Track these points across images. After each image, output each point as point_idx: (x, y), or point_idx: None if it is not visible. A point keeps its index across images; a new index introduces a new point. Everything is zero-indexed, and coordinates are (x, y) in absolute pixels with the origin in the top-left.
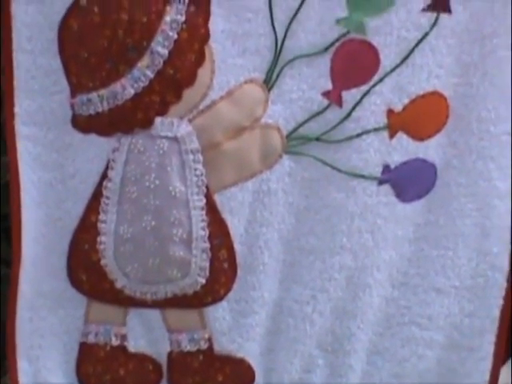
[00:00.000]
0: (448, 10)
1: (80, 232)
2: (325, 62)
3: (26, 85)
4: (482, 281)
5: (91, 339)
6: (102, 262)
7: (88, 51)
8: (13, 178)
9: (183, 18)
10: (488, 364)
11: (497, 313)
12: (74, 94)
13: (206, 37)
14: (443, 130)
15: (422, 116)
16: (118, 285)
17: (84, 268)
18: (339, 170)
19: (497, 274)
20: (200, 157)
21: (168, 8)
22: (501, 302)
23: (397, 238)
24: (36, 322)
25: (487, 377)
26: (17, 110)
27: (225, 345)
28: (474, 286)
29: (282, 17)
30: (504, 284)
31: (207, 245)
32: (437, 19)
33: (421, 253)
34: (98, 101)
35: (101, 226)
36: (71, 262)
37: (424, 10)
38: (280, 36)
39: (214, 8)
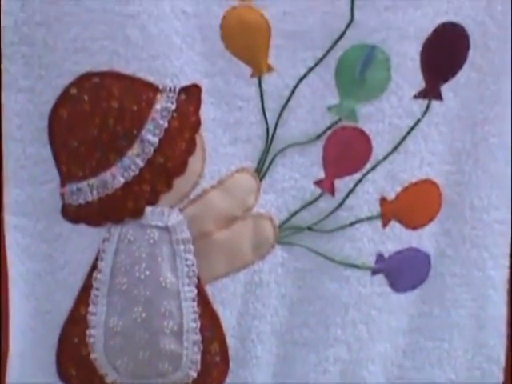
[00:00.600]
0: (439, 97)
1: (69, 325)
2: (317, 150)
3: (16, 174)
4: (478, 373)
5: None
6: (92, 356)
7: (78, 140)
8: (1, 269)
9: (174, 106)
10: None
11: None
12: (63, 183)
13: (197, 125)
14: (436, 219)
15: (415, 204)
16: (109, 380)
17: (73, 362)
18: (333, 260)
19: (493, 366)
20: (191, 247)
21: (159, 96)
22: None
23: (391, 330)
24: None
25: None
26: (6, 199)
27: None
28: (470, 378)
29: (273, 105)
30: (501, 377)
31: (199, 337)
32: (428, 106)
33: (416, 345)
34: (87, 190)
35: (90, 318)
36: (60, 357)
37: (416, 96)
38: (271, 124)
39: (205, 96)
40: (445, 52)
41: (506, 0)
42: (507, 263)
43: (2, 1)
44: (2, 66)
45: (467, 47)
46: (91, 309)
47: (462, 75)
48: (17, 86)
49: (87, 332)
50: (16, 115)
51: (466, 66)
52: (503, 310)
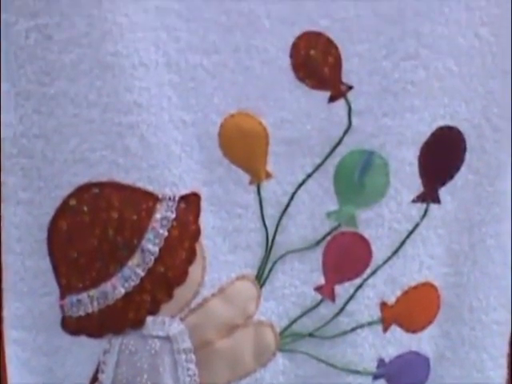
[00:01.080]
0: (438, 200)
1: None
2: (316, 257)
3: (15, 287)
4: None
5: None
6: None
7: (78, 251)
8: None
9: (174, 215)
10: None
11: None
12: (63, 295)
13: (197, 234)
14: (435, 321)
15: (415, 308)
16: None
17: None
18: (334, 367)
19: None
20: (193, 356)
21: (158, 205)
22: None
23: None
24: None
25: None
26: (5, 313)
27: None
28: None
29: (273, 212)
30: None
31: None
32: (427, 210)
33: None
34: (88, 301)
35: None
36: None
37: (414, 201)
38: (271, 231)
39: (205, 204)
40: (442, 155)
41: (502, 104)
42: (505, 363)
43: (2, 113)
44: (2, 179)
45: (464, 150)
46: None
47: (460, 178)
48: (16, 198)
49: None
50: (15, 227)
51: (463, 169)
52: None
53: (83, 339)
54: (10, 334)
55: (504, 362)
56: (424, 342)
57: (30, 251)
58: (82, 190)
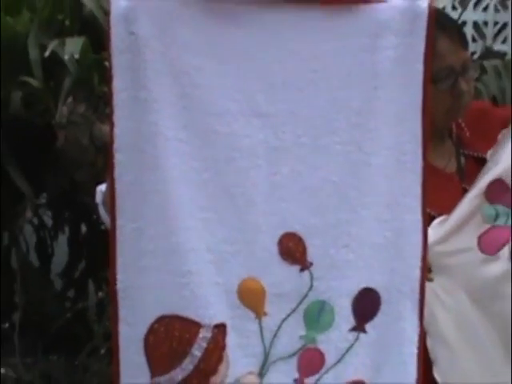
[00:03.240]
0: (364, 330)
1: None
2: (294, 361)
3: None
4: None
5: None
6: None
7: (158, 353)
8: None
9: (209, 335)
10: None
11: None
12: (152, 376)
13: (224, 347)
14: None
15: None
16: None
17: None
18: None
19: None
20: None
21: (201, 329)
22: None
23: None
24: None
25: None
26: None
27: None
28: None
29: (268, 335)
30: None
31: None
32: (358, 336)
33: None
34: (163, 380)
35: None
36: None
37: (350, 330)
38: (267, 346)
39: (228, 329)
40: (367, 305)
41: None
42: None
43: None
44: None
45: (379, 303)
46: None
47: (377, 319)
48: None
49: None
50: (124, 338)
51: (379, 313)
52: None
53: None
54: None
55: None
56: None
57: (134, 345)
58: (160, 319)
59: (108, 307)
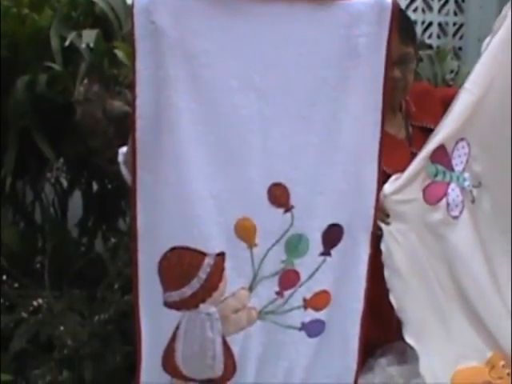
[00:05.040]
0: (329, 255)
1: (168, 350)
2: (276, 279)
3: (144, 283)
4: None
5: None
6: (177, 362)
7: (170, 274)
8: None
9: (213, 262)
10: None
11: None
12: (164, 292)
13: (223, 269)
14: (326, 308)
15: (319, 302)
16: (184, 373)
17: (169, 365)
18: (282, 325)
19: None
20: (219, 320)
21: (206, 257)
22: None
23: None
24: None
25: None
26: (140, 298)
27: None
28: None
29: (257, 260)
30: None
31: (222, 359)
32: (325, 260)
33: None
34: (175, 295)
35: (176, 347)
36: (164, 361)
37: (320, 254)
38: (256, 269)
39: (226, 257)
40: (333, 236)
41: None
42: None
43: None
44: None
45: (342, 235)
46: (176, 346)
47: (340, 246)
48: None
49: (175, 354)
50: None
51: (341, 243)
52: None
53: (171, 311)
54: (141, 307)
55: None
56: (322, 315)
57: (150, 268)
58: (172, 249)
59: (118, 251)
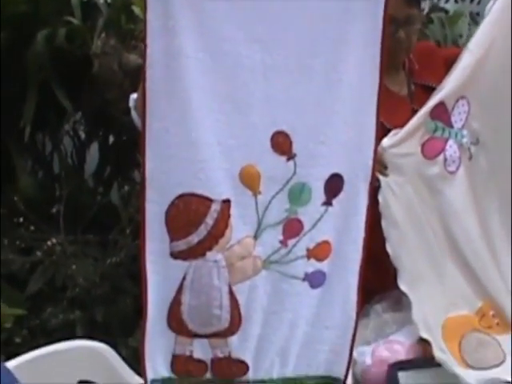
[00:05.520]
0: (331, 204)
1: (174, 304)
2: (280, 228)
3: (151, 231)
4: None
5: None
6: (183, 316)
7: (177, 223)
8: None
9: (219, 208)
10: None
11: None
12: (171, 241)
13: (229, 216)
14: (328, 258)
15: (321, 252)
16: (189, 327)
17: (174, 319)
18: (286, 275)
19: None
20: (225, 268)
21: (213, 203)
22: None
23: None
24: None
25: None
26: (147, 246)
27: None
28: None
29: (262, 208)
30: None
31: (229, 309)
32: (326, 209)
33: None
34: (181, 244)
35: (183, 300)
36: (168, 317)
37: (322, 204)
38: (261, 217)
39: (232, 204)
40: (334, 186)
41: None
42: None
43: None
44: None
45: (343, 185)
46: (183, 297)
47: (341, 195)
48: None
49: (181, 307)
50: (150, 210)
51: (341, 192)
52: None
53: (178, 262)
54: (148, 259)
55: None
56: (324, 266)
57: (158, 217)
58: (180, 196)
59: (131, 199)
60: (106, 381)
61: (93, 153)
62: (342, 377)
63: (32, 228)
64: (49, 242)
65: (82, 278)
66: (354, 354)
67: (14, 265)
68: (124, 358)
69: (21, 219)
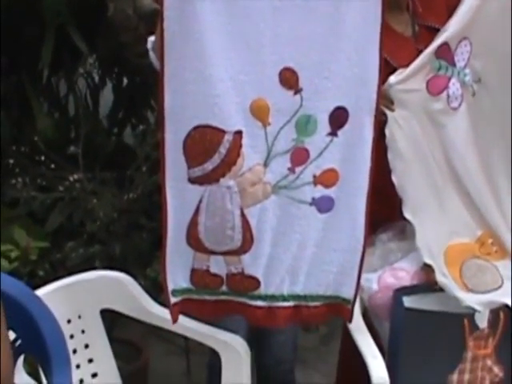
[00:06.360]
0: (336, 135)
1: (191, 224)
2: (288, 156)
3: (169, 162)
4: None
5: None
6: (200, 235)
7: (193, 151)
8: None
9: (231, 138)
10: None
11: None
12: (188, 168)
13: (241, 146)
14: (335, 185)
15: (329, 179)
16: (206, 245)
17: (192, 238)
18: (294, 199)
19: None
20: (238, 193)
21: (226, 134)
22: None
23: None
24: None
25: None
26: (167, 174)
27: None
28: None
29: (271, 138)
30: None
31: (241, 229)
32: (332, 140)
33: None
34: (197, 170)
35: (199, 221)
36: (187, 236)
37: (327, 134)
38: (270, 146)
39: (243, 135)
40: (338, 118)
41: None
42: None
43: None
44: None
45: (347, 117)
46: (199, 218)
47: (346, 127)
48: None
49: (198, 227)
50: (169, 137)
51: (346, 125)
52: None
53: (195, 186)
54: (168, 185)
55: None
56: (331, 192)
57: (176, 147)
58: (196, 127)
59: (146, 137)
60: (127, 310)
61: (106, 95)
62: (352, 298)
63: (52, 166)
64: (71, 178)
65: (102, 213)
66: (361, 280)
67: (35, 202)
68: (144, 288)
69: (42, 158)
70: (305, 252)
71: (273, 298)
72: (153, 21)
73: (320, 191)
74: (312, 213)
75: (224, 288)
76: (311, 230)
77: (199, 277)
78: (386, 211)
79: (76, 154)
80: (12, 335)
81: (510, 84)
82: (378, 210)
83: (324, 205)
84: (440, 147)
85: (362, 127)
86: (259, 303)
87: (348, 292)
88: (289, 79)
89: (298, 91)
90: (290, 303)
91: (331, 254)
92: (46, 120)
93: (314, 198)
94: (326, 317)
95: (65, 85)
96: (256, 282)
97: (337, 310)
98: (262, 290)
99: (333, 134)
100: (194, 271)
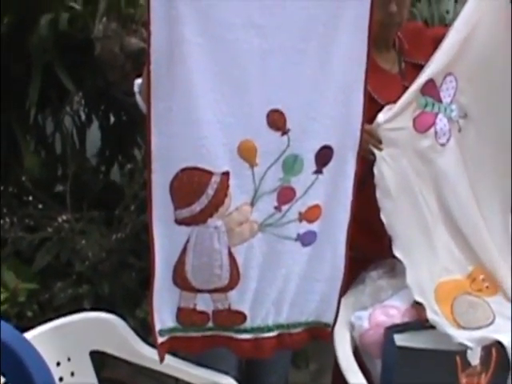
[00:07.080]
0: (321, 173)
1: (178, 264)
2: (274, 195)
3: (156, 200)
4: None
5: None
6: (187, 275)
7: (181, 192)
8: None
9: (219, 179)
10: None
11: None
12: (175, 210)
13: (228, 187)
14: (318, 221)
15: (312, 215)
16: (192, 284)
17: (179, 277)
18: (279, 237)
19: None
20: (225, 233)
21: (213, 176)
22: None
23: None
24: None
25: None
26: (153, 212)
27: None
28: None
29: (257, 178)
30: None
31: (228, 268)
32: (317, 177)
33: None
34: (185, 212)
35: (186, 260)
36: (174, 275)
37: (313, 173)
38: (257, 186)
39: (231, 175)
40: (325, 157)
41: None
42: None
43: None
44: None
45: (332, 155)
46: (186, 258)
47: (330, 164)
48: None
49: (185, 267)
50: (157, 182)
51: (331, 162)
52: None
53: (181, 227)
54: (155, 224)
55: None
56: (315, 227)
57: (163, 188)
58: (183, 169)
59: (134, 176)
60: (117, 351)
61: (93, 133)
62: (331, 322)
63: (40, 206)
64: (59, 219)
65: (90, 254)
66: (352, 318)
67: (23, 242)
68: (133, 329)
69: (30, 198)
70: (289, 284)
71: (258, 329)
72: (139, 59)
73: (304, 227)
74: (296, 247)
75: (210, 324)
76: (296, 264)
77: (186, 315)
78: (376, 249)
79: (64, 192)
80: (1, 379)
81: (495, 116)
82: (368, 247)
83: (308, 239)
84: (430, 183)
85: (345, 163)
86: (245, 336)
87: (329, 317)
88: (276, 121)
89: (285, 132)
90: (275, 333)
91: (314, 285)
92: (33, 158)
93: (298, 234)
94: (307, 341)
95: (51, 123)
96: (242, 317)
97: (317, 333)
98: (248, 324)
99: (318, 171)
100: (180, 310)
